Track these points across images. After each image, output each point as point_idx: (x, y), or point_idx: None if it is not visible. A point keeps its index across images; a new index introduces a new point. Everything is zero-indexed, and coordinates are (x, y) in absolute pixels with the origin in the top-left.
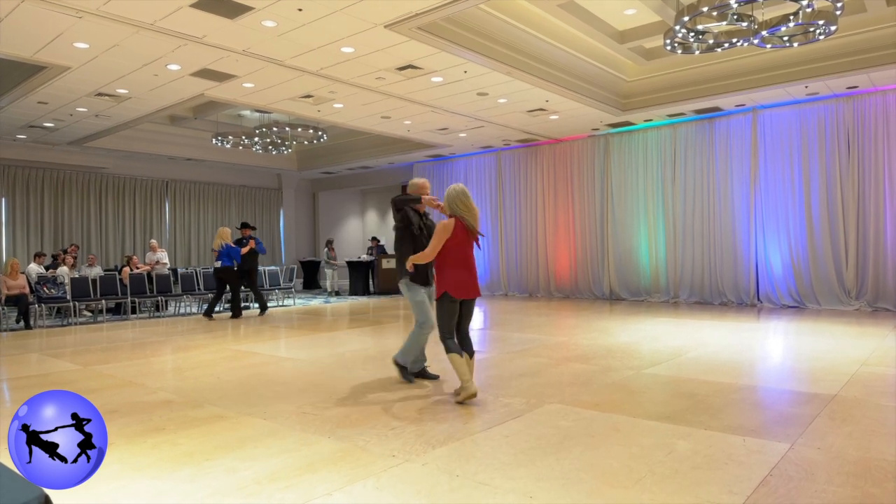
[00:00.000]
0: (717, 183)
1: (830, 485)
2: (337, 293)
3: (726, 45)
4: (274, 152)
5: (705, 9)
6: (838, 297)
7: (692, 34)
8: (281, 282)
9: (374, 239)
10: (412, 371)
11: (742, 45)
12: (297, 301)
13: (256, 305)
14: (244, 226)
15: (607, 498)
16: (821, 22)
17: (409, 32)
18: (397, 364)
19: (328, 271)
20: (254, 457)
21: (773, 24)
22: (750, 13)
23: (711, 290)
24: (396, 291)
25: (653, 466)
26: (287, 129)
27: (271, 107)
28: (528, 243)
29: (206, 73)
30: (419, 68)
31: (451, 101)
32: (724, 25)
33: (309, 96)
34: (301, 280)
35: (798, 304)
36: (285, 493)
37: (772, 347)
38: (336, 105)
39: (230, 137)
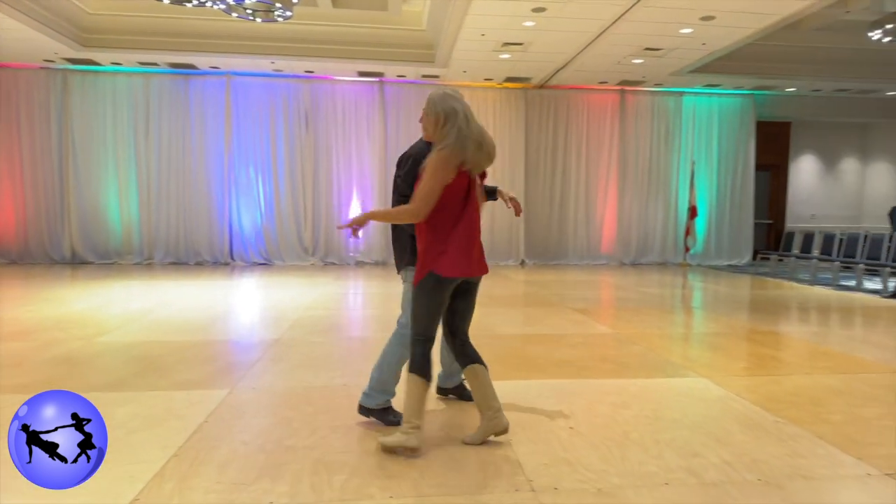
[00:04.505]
0: (192, 142)
1: (256, 418)
2: None
3: (195, 1)
4: None
5: None
6: (298, 254)
7: None
8: None
9: None
10: (446, 387)
11: (210, 6)
12: None
13: None
14: None
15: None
16: (279, 5)
17: None
18: (367, 410)
19: None
20: None
21: None
22: None
23: (187, 250)
24: None
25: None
26: None
27: None
28: None
29: None
30: None
31: None
32: None
33: None
34: None
35: (267, 261)
36: None
37: (235, 302)
38: None
39: None
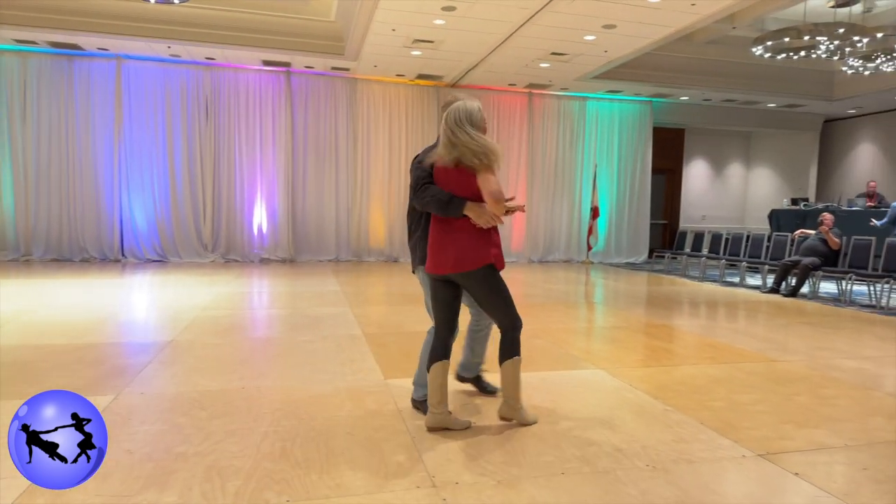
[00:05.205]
0: (77, 129)
1: (143, 424)
2: None
3: None
4: None
5: None
6: (197, 250)
7: None
8: None
9: None
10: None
11: None
12: None
13: None
14: None
15: None
16: None
17: None
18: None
19: None
20: None
21: None
22: None
23: (71, 246)
24: None
25: None
26: None
27: None
28: None
29: None
30: None
31: None
32: None
33: None
34: None
35: (162, 258)
36: None
37: (125, 302)
38: None
39: None
